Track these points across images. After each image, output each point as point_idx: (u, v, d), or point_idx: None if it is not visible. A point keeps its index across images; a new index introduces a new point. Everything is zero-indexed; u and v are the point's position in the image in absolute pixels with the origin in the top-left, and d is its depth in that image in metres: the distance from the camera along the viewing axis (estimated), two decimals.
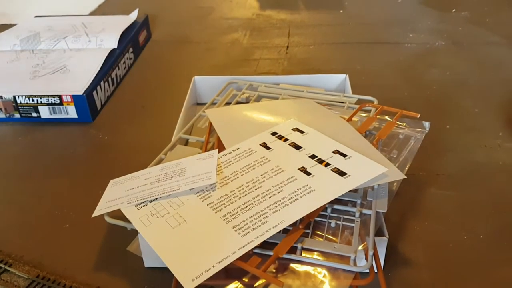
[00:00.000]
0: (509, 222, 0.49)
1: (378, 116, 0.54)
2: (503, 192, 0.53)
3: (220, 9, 1.13)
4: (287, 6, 1.12)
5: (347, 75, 0.69)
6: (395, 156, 0.48)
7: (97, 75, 0.73)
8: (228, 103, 0.65)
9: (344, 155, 0.45)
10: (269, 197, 0.41)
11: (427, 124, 0.51)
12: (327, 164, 0.44)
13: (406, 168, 0.46)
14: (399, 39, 0.92)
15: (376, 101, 0.61)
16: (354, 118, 0.55)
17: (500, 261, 0.45)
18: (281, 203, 0.40)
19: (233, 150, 0.48)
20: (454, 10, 1.06)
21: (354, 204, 0.42)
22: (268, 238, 0.37)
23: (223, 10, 1.12)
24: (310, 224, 0.41)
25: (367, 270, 0.36)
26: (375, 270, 0.37)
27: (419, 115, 0.52)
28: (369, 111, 0.57)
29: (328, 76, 0.71)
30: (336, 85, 0.71)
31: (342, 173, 0.43)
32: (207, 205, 0.40)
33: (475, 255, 0.45)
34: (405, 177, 0.43)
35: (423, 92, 0.73)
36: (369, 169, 0.43)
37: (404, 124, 0.52)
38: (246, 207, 0.40)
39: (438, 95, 0.72)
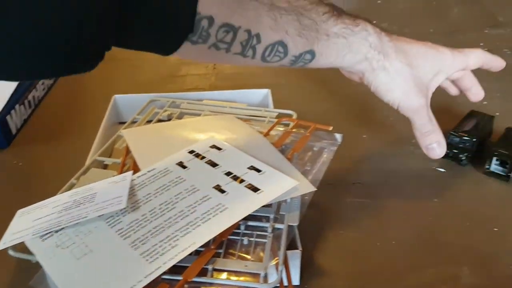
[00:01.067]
0: (420, 227, 0.51)
1: (295, 130, 0.55)
2: (415, 198, 0.55)
3: None
4: None
5: (270, 90, 0.70)
6: (309, 168, 0.49)
7: (11, 98, 0.69)
8: (149, 121, 0.64)
9: (258, 171, 0.46)
10: (182, 219, 0.40)
11: (339, 136, 0.53)
12: (242, 181, 0.45)
13: (319, 180, 0.47)
14: None
15: (295, 115, 0.62)
16: (272, 133, 0.55)
17: (413, 266, 0.46)
18: (193, 224, 0.40)
19: (148, 171, 0.47)
20: (374, 21, 1.11)
21: (268, 219, 0.43)
22: (178, 262, 0.36)
23: None
24: (223, 244, 0.40)
25: (278, 285, 0.37)
26: (285, 284, 0.38)
27: (331, 128, 0.53)
28: (288, 125, 0.58)
29: (252, 91, 0.72)
30: (260, 100, 0.72)
31: (255, 189, 0.43)
32: (116, 231, 0.39)
33: (389, 262, 0.47)
34: (315, 189, 0.44)
35: (343, 104, 0.75)
36: (281, 183, 0.44)
37: (319, 136, 0.53)
38: (157, 231, 0.39)
39: (357, 106, 0.74)
